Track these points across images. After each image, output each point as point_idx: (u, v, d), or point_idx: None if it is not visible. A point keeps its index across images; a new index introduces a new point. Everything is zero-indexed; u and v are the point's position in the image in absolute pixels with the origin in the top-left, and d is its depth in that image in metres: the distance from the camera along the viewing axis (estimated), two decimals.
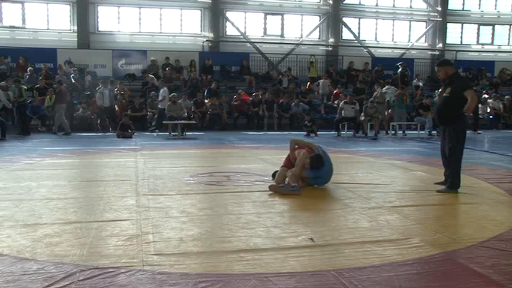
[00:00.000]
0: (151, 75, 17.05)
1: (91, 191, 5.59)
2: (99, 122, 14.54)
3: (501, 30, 23.78)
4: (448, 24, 22.86)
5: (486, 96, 18.36)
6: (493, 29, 23.62)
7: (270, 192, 5.38)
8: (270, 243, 3.58)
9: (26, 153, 9.00)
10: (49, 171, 6.88)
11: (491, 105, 18.00)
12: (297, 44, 20.97)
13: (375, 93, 15.26)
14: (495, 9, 23.37)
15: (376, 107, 14.23)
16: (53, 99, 13.95)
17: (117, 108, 14.93)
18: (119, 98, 15.26)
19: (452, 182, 5.60)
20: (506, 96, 18.45)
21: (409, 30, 22.72)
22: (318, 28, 21.56)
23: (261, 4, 20.65)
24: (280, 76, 18.66)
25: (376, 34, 22.32)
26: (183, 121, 13.58)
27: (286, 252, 3.39)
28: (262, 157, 8.64)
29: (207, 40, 20.05)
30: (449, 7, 22.65)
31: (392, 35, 22.53)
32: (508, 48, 23.89)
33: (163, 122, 13.95)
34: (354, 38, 21.94)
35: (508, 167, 7.91)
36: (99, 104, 14.61)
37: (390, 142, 12.56)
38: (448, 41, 23.00)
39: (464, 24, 23.35)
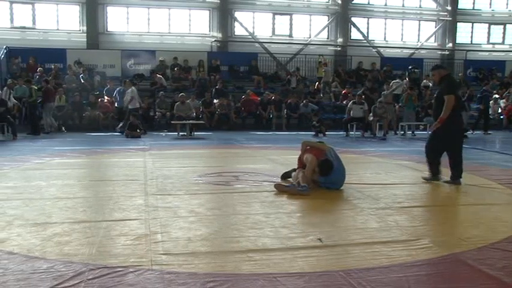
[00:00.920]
0: (159, 76, 17.12)
1: (100, 191, 5.62)
2: (120, 124, 13.75)
3: None
4: (458, 23, 22.61)
5: (497, 96, 18.16)
6: (504, 28, 23.33)
7: (279, 193, 5.36)
8: (278, 244, 3.57)
9: (36, 152, 9.07)
10: (59, 170, 6.93)
11: (502, 105, 17.81)
12: (306, 44, 20.92)
13: (384, 92, 15.17)
14: (506, 8, 23.09)
15: (385, 107, 14.17)
16: (62, 100, 14.03)
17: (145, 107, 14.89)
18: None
19: (458, 171, 5.93)
20: None
21: (419, 29, 22.53)
22: (327, 28, 21.49)
23: (270, 4, 20.62)
24: (289, 76, 18.65)
25: (385, 34, 22.18)
26: (191, 121, 13.62)
27: (295, 252, 3.38)
28: (271, 157, 8.63)
29: (215, 40, 20.08)
30: (459, 6, 22.42)
31: (402, 34, 22.37)
32: None
33: (172, 122, 13.95)
34: (363, 38, 21.83)
35: None
36: (120, 106, 14.33)
37: (399, 142, 12.49)
38: (458, 40, 22.76)
39: (474, 24, 23.07)
